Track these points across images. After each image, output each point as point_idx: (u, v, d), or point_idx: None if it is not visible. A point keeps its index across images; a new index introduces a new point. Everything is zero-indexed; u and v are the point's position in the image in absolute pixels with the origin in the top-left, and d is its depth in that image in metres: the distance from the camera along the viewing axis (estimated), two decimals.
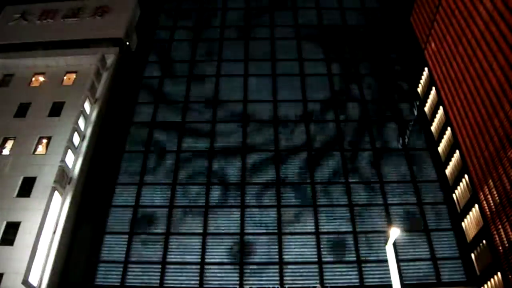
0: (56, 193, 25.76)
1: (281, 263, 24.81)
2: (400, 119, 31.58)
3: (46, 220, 24.37)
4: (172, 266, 25.03)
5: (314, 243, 25.50)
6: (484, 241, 23.72)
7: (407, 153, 29.69)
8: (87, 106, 30.79)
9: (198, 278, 24.47)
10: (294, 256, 25.14)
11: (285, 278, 24.27)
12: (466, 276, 24.20)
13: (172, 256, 25.40)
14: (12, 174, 27.88)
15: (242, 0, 41.32)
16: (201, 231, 26.21)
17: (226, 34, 38.39)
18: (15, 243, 24.86)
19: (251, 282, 24.26)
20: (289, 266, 24.72)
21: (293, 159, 29.55)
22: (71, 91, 32.50)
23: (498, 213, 22.19)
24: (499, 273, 21.90)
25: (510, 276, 20.95)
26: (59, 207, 26.18)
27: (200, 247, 25.56)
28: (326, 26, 38.61)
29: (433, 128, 31.18)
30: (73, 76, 34.14)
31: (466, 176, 26.06)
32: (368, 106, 32.43)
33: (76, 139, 28.96)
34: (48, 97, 32.28)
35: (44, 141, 29.83)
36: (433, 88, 31.42)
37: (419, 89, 33.73)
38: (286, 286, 23.96)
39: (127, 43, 37.79)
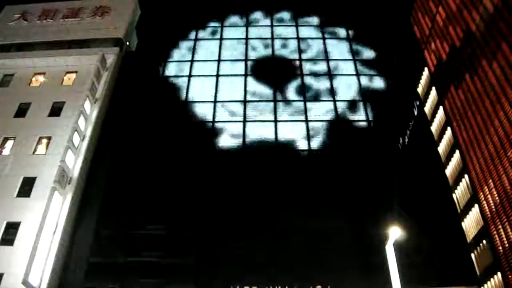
0: (56, 193, 25.75)
1: None
2: (400, 119, 31.54)
3: (46, 220, 24.37)
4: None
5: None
6: (484, 241, 23.70)
7: (406, 152, 29.64)
8: (87, 106, 30.78)
9: None
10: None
11: None
12: (466, 276, 24.16)
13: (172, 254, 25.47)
14: (12, 174, 27.88)
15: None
16: None
17: (226, 34, 38.42)
18: (15, 243, 24.87)
19: None
20: None
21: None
22: (71, 91, 32.52)
23: (498, 213, 22.16)
24: (499, 273, 21.88)
25: (510, 276, 20.93)
26: (59, 207, 26.17)
27: None
28: (326, 25, 38.69)
29: (433, 128, 31.16)
30: (73, 76, 34.14)
31: (466, 176, 26.04)
32: (368, 106, 32.41)
33: (76, 139, 28.96)
34: (48, 97, 32.29)
35: (44, 141, 29.83)
36: (433, 88, 31.40)
37: (419, 89, 33.71)
38: None
39: (127, 43, 37.80)
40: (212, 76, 35.03)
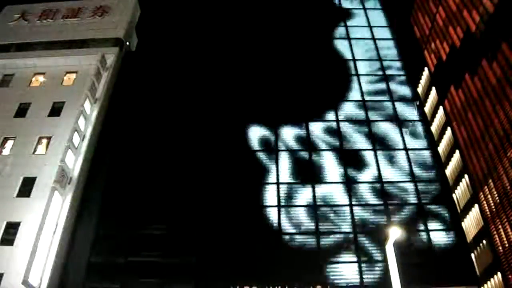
0: (56, 193, 25.73)
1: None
2: (400, 119, 31.53)
3: (46, 220, 24.34)
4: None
5: (314, 241, 25.53)
6: (484, 241, 23.72)
7: (407, 153, 29.64)
8: (87, 106, 30.76)
9: None
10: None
11: None
12: (466, 276, 24.18)
13: (172, 256, 25.50)
14: (12, 174, 27.85)
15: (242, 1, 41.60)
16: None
17: (226, 34, 38.47)
18: (15, 243, 24.83)
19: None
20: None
21: (295, 158, 29.56)
22: (71, 91, 32.49)
23: (498, 213, 22.19)
24: (499, 273, 21.91)
25: (510, 276, 20.95)
26: (59, 207, 26.16)
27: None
28: (326, 26, 38.75)
29: (433, 128, 31.17)
30: (73, 76, 34.11)
31: (466, 176, 26.06)
32: (368, 106, 32.43)
33: (76, 139, 28.93)
34: (48, 97, 32.26)
35: (44, 141, 29.81)
36: (433, 88, 31.42)
37: (419, 89, 33.72)
38: None
39: (127, 43, 37.79)
40: (213, 76, 35.08)
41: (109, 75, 34.05)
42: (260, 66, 35.53)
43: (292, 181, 28.37)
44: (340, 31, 38.28)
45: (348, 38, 37.52)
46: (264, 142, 30.47)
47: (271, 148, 30.09)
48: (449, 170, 28.40)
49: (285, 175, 28.70)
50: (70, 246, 26.21)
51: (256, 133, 30.89)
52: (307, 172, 28.78)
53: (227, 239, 25.89)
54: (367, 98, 32.88)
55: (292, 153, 29.82)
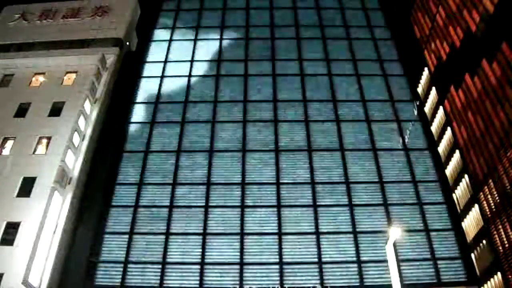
0: (56, 193, 25.74)
1: (281, 263, 24.81)
2: (400, 119, 31.52)
3: (46, 220, 24.34)
4: (172, 266, 25.07)
5: (314, 243, 25.52)
6: (484, 241, 23.72)
7: (407, 153, 29.65)
8: (87, 106, 30.78)
9: (198, 278, 24.47)
10: (294, 256, 25.16)
11: (284, 278, 24.28)
12: (466, 276, 24.19)
13: (172, 256, 25.43)
14: (12, 174, 27.83)
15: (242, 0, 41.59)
16: (201, 231, 26.22)
17: (226, 34, 38.45)
18: (15, 243, 24.78)
19: (251, 282, 24.25)
20: (289, 266, 24.71)
21: (293, 159, 29.53)
22: (71, 91, 32.47)
23: (498, 213, 22.19)
24: (499, 273, 21.90)
25: (510, 276, 20.95)
26: (59, 207, 26.17)
27: (200, 247, 25.58)
28: (326, 26, 38.72)
29: (433, 128, 31.17)
30: (73, 76, 34.09)
31: (466, 176, 26.06)
32: (368, 106, 32.42)
33: (76, 139, 28.95)
34: (48, 97, 32.24)
35: (44, 141, 29.78)
36: (433, 88, 31.42)
37: (419, 89, 33.72)
38: (286, 286, 23.96)
39: (127, 43, 37.79)
40: (213, 76, 35.09)
41: (109, 75, 34.10)
42: (260, 65, 35.63)
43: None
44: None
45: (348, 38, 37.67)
46: None
47: None
48: (449, 170, 28.39)
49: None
50: (70, 246, 26.23)
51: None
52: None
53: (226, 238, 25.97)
54: (366, 98, 33.01)
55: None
